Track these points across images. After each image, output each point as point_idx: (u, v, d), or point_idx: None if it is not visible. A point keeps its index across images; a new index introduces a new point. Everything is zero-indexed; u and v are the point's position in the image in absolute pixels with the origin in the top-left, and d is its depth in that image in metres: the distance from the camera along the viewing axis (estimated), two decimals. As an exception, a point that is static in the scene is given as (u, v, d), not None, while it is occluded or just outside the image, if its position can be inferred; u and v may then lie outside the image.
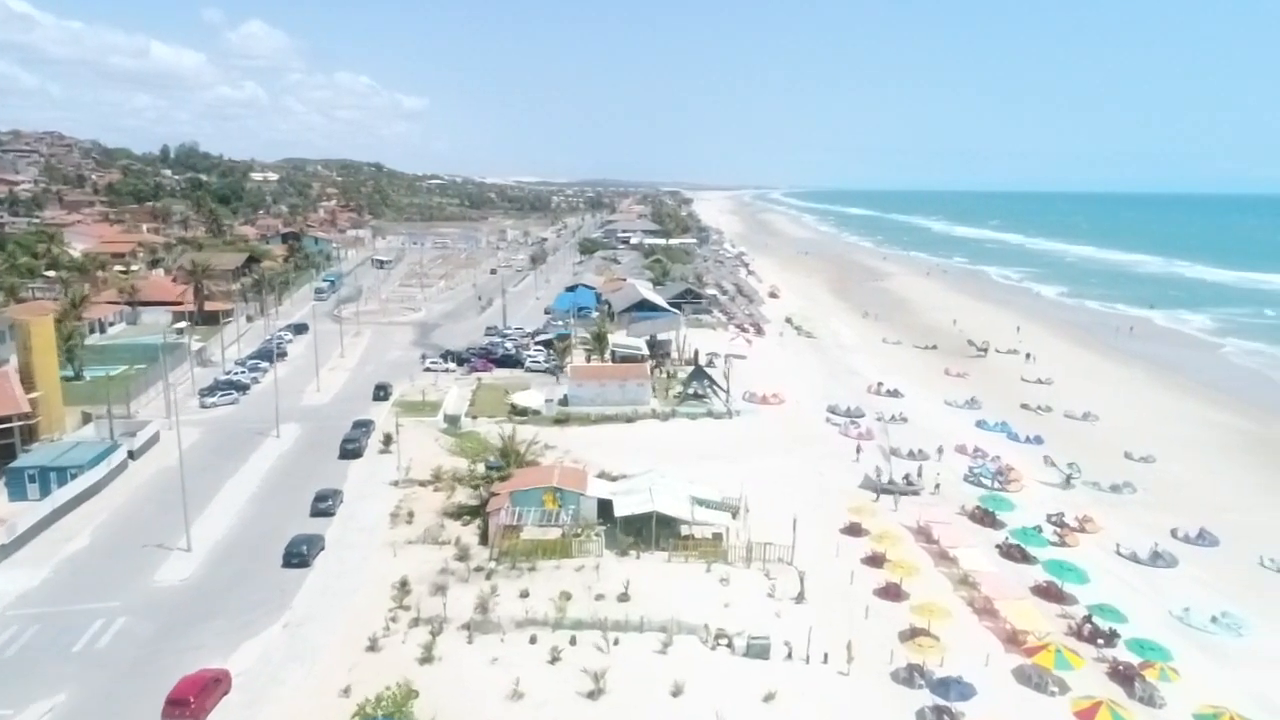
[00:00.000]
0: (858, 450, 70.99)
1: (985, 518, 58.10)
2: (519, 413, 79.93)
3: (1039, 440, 79.72)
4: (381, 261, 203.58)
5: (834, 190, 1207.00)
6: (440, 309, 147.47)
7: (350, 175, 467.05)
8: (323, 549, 50.82)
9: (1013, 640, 41.83)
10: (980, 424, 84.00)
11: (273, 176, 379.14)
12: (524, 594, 44.32)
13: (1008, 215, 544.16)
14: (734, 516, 54.99)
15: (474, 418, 79.35)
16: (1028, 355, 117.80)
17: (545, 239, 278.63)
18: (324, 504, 56.53)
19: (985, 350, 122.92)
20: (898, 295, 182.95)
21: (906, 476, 64.88)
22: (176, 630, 42.22)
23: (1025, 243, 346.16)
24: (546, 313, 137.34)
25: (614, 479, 59.56)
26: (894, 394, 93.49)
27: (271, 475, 64.48)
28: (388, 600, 44.12)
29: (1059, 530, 56.55)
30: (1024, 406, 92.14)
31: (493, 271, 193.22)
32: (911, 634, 41.64)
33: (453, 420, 79.32)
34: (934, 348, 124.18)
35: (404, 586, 45.14)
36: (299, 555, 48.82)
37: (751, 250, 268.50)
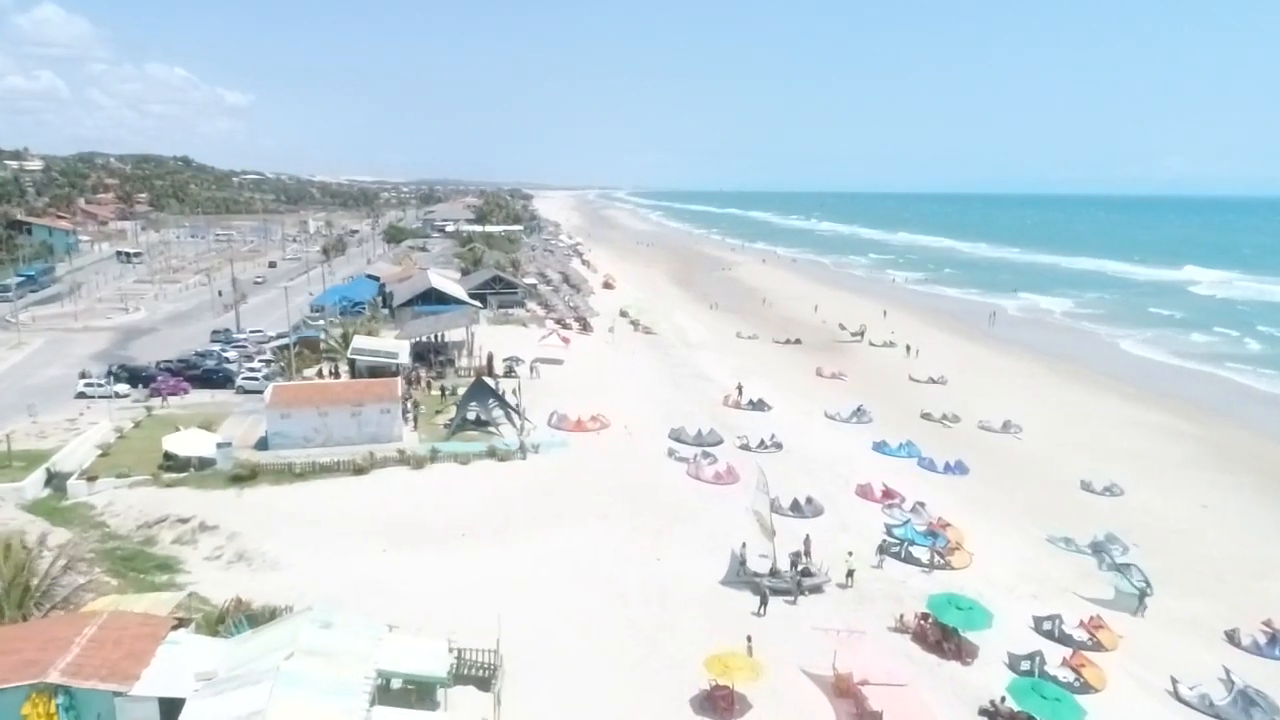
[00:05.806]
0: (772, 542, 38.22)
1: (945, 641, 32.90)
2: (176, 467, 49.04)
3: (962, 469, 56.52)
4: (128, 255, 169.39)
5: (677, 190, 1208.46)
6: (171, 309, 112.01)
7: (151, 169, 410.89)
8: None
9: None
10: (879, 447, 60.17)
11: (32, 165, 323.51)
12: None
13: (843, 211, 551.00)
14: (487, 689, 27.42)
15: (91, 479, 47.66)
16: (908, 348, 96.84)
17: (355, 231, 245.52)
18: None
19: (861, 334, 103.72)
20: (747, 284, 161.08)
21: (795, 559, 38.75)
22: None
23: (859, 232, 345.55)
24: (313, 310, 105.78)
25: (254, 616, 30.27)
26: (759, 406, 68.73)
27: None
28: None
29: (1068, 658, 32.20)
30: (925, 416, 69.60)
31: (271, 265, 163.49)
32: None
33: (59, 483, 47.75)
34: (798, 342, 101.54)
35: None
36: None
37: (590, 242, 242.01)
